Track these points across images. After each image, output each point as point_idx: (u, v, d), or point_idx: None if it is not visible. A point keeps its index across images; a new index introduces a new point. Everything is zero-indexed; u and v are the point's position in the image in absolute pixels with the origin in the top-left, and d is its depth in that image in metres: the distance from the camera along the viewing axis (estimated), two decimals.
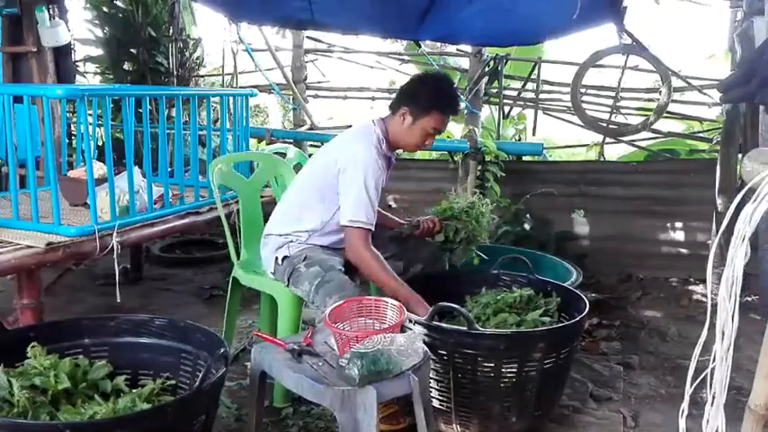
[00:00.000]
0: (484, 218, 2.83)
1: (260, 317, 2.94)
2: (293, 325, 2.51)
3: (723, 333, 1.07)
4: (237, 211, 2.86)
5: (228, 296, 2.76)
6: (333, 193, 2.44)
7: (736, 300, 1.07)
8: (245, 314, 3.37)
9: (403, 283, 2.32)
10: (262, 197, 3.13)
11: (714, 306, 1.10)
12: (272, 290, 2.57)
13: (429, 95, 2.42)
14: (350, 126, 5.81)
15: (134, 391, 1.87)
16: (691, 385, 1.11)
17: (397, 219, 2.82)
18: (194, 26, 6.00)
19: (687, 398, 1.11)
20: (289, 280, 2.43)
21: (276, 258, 2.50)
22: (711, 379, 1.10)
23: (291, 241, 2.49)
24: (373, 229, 2.38)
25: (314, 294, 2.30)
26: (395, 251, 2.62)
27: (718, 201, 3.97)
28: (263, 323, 2.88)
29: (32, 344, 1.88)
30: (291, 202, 2.58)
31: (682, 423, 1.12)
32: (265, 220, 2.71)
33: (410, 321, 2.09)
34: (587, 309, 2.30)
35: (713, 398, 1.09)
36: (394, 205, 3.11)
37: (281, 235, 2.52)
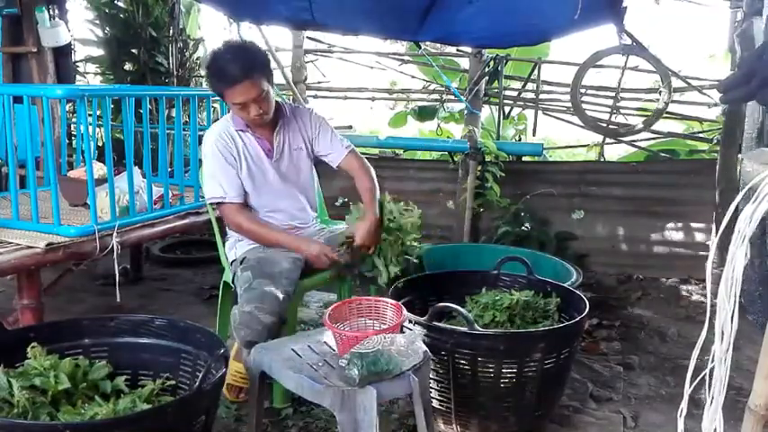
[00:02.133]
0: (400, 228, 2.47)
1: None
2: (290, 326, 2.50)
3: (722, 333, 1.07)
4: None
5: (220, 300, 2.76)
6: None
7: (735, 300, 1.07)
8: None
9: (287, 233, 2.48)
10: None
11: (713, 306, 1.10)
12: None
13: (210, 84, 2.41)
14: (350, 126, 5.83)
15: (134, 391, 1.87)
16: (690, 385, 1.11)
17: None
18: (198, 29, 5.99)
19: (686, 398, 1.11)
20: (234, 283, 2.49)
21: (230, 261, 2.58)
22: (711, 379, 1.10)
23: (238, 240, 2.56)
24: (228, 200, 2.44)
25: (240, 296, 2.33)
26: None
27: (718, 201, 3.97)
28: None
29: (33, 344, 1.88)
30: None
31: (680, 423, 1.12)
32: None
33: (410, 321, 2.09)
34: (587, 309, 2.30)
35: (712, 398, 1.09)
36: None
37: (230, 236, 2.62)
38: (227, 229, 2.61)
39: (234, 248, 2.57)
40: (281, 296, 2.26)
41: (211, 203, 2.53)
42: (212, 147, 2.46)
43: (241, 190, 2.47)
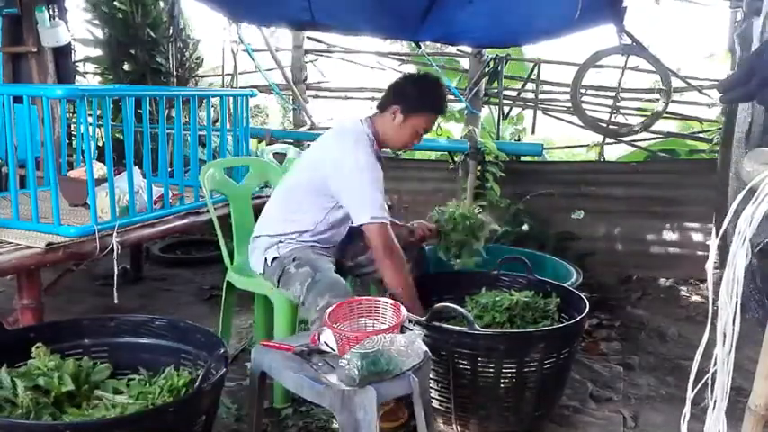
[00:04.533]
0: (481, 231, 2.81)
1: (255, 320, 2.94)
2: (290, 326, 2.51)
3: (724, 335, 1.07)
4: (229, 214, 2.86)
5: (223, 300, 2.76)
6: (324, 194, 2.43)
7: (737, 301, 1.07)
8: (244, 314, 3.37)
9: (414, 292, 2.32)
10: (260, 197, 3.13)
11: (715, 308, 1.10)
12: (269, 292, 2.56)
13: (421, 95, 2.44)
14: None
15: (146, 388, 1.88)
16: (693, 390, 1.10)
17: (396, 222, 2.80)
18: (190, 26, 5.98)
19: (689, 403, 1.10)
20: (279, 281, 2.42)
21: (266, 259, 2.50)
22: (713, 382, 1.10)
23: (281, 241, 2.48)
24: (388, 222, 2.36)
25: (305, 295, 2.29)
26: None
27: (719, 201, 3.96)
28: (259, 326, 2.88)
29: (37, 344, 1.88)
30: (281, 203, 2.56)
31: (684, 428, 1.12)
32: None
33: (410, 321, 2.09)
34: (587, 309, 2.30)
35: (714, 402, 1.09)
36: (391, 205, 3.12)
37: (271, 236, 2.51)
38: (269, 230, 2.51)
39: (275, 247, 2.47)
40: (345, 282, 2.30)
41: (374, 222, 2.31)
42: (375, 163, 2.39)
43: None
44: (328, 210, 2.45)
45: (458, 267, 2.88)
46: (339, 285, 2.27)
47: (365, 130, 2.47)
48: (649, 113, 4.24)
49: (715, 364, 1.09)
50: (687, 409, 1.11)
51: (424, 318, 2.14)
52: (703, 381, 1.10)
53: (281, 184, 2.67)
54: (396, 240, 2.35)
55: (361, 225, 2.35)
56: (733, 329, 1.06)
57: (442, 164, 4.84)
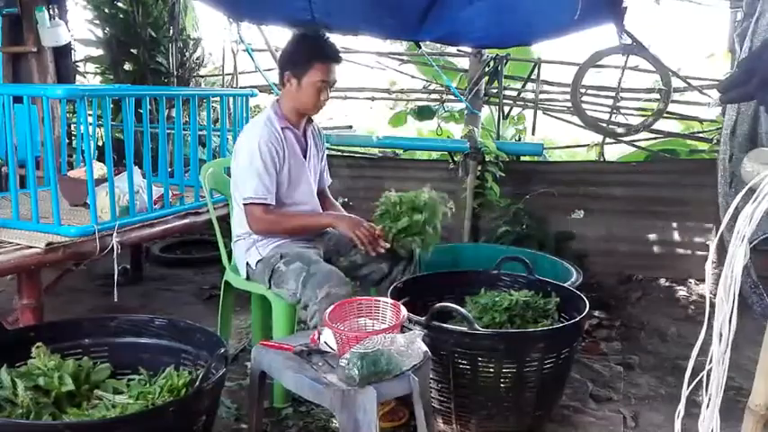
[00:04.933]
0: (431, 215, 2.49)
1: (252, 320, 2.94)
2: (289, 326, 2.50)
3: (721, 334, 1.07)
4: (228, 214, 2.86)
5: (221, 300, 2.76)
6: None
7: (734, 300, 1.07)
8: (243, 314, 3.37)
9: (313, 214, 2.51)
10: None
11: (712, 306, 1.10)
12: (265, 292, 2.55)
13: (303, 51, 2.45)
14: (350, 126, 5.83)
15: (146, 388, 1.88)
16: (688, 387, 1.11)
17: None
18: (196, 30, 5.99)
19: (683, 400, 1.11)
20: (270, 282, 2.43)
21: (248, 263, 2.52)
22: (708, 380, 1.10)
23: (257, 240, 2.50)
24: (268, 201, 2.42)
25: (302, 290, 2.29)
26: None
27: (719, 201, 3.96)
28: (256, 326, 2.87)
29: (37, 344, 1.88)
30: (234, 204, 2.61)
31: (677, 425, 1.12)
32: None
33: (410, 321, 2.09)
34: (587, 309, 2.30)
35: (709, 399, 1.09)
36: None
37: (244, 237, 2.55)
38: (241, 231, 2.55)
39: (254, 248, 2.51)
40: (340, 271, 2.35)
41: (246, 203, 2.43)
42: (264, 145, 2.41)
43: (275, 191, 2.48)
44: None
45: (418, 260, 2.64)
46: (335, 275, 2.28)
47: (267, 112, 2.52)
48: (649, 113, 4.24)
49: (711, 362, 1.09)
50: (681, 407, 1.11)
51: (424, 318, 2.13)
52: (698, 379, 1.10)
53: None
54: (268, 213, 2.42)
55: (243, 206, 2.44)
56: (729, 328, 1.06)
57: (442, 164, 4.84)
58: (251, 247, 2.51)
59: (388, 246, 2.45)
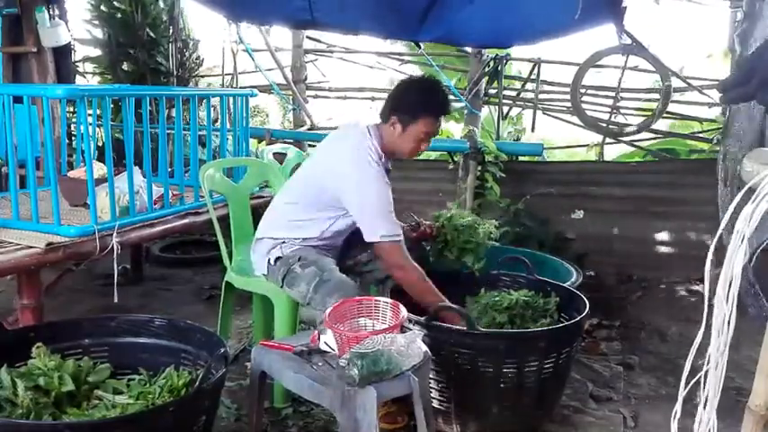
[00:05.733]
0: (479, 237, 2.72)
1: (254, 320, 2.94)
2: (290, 326, 2.50)
3: (719, 334, 1.07)
4: (228, 214, 2.86)
5: (222, 300, 2.76)
6: (331, 205, 2.41)
7: (733, 301, 1.07)
8: (244, 314, 3.37)
9: (442, 297, 2.29)
10: (259, 197, 3.13)
11: (711, 307, 1.10)
12: (268, 292, 2.56)
13: (417, 102, 2.40)
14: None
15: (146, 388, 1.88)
16: (685, 388, 1.10)
17: (402, 224, 2.77)
18: (189, 26, 5.98)
19: (680, 400, 1.10)
20: (283, 281, 2.41)
21: (269, 260, 2.49)
22: (706, 381, 1.10)
23: (284, 242, 2.47)
24: (402, 240, 2.35)
25: (312, 295, 2.29)
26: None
27: (720, 201, 3.96)
28: (257, 326, 2.88)
29: (37, 344, 1.88)
30: (286, 207, 2.53)
31: (674, 426, 1.12)
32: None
33: (410, 321, 2.09)
34: (587, 309, 2.30)
35: (706, 399, 1.09)
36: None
37: (275, 239, 2.49)
38: (270, 232, 2.51)
39: (277, 248, 2.46)
40: (353, 281, 2.31)
41: (385, 241, 2.31)
42: (381, 178, 2.35)
43: None
44: (334, 220, 2.45)
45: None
46: (348, 285, 2.26)
47: (372, 143, 2.42)
48: (649, 113, 4.24)
49: (709, 362, 1.09)
50: (678, 407, 1.11)
51: (424, 318, 2.14)
52: (696, 378, 1.10)
53: (286, 188, 2.64)
54: (408, 255, 2.34)
55: (373, 243, 2.34)
56: (728, 328, 1.06)
57: (442, 164, 4.84)
58: (275, 248, 2.48)
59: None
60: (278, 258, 2.46)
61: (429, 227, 2.76)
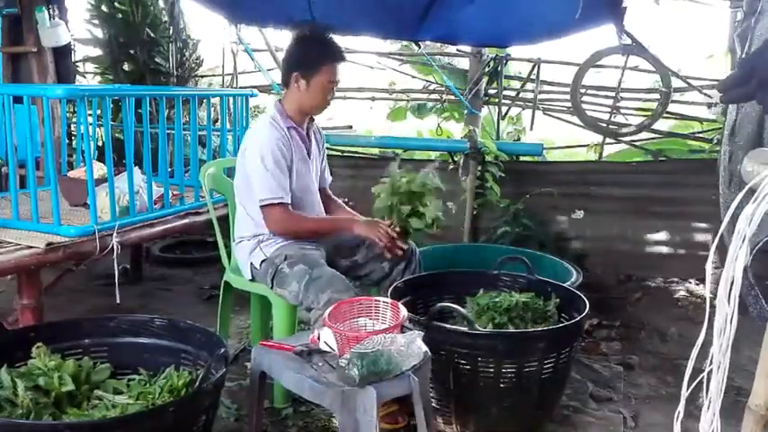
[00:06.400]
0: (425, 196, 2.53)
1: (251, 320, 2.94)
2: (289, 326, 2.50)
3: (721, 334, 1.07)
4: (228, 214, 2.86)
5: (221, 300, 2.76)
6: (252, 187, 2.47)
7: (735, 301, 1.07)
8: (243, 314, 3.37)
9: (332, 218, 2.53)
10: None
11: (713, 307, 1.10)
12: (266, 292, 2.56)
13: (314, 53, 2.45)
14: (350, 126, 5.82)
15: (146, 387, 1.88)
16: (687, 388, 1.10)
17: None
18: (189, 27, 5.97)
19: (683, 401, 1.10)
20: (272, 282, 2.42)
21: (252, 264, 2.51)
22: (709, 381, 1.10)
23: (262, 241, 2.50)
24: (285, 201, 2.41)
25: (304, 293, 2.29)
26: (375, 253, 2.60)
27: (720, 201, 3.96)
28: (255, 326, 2.88)
29: (37, 344, 1.88)
30: (239, 205, 2.60)
31: (677, 426, 1.12)
32: None
33: (410, 321, 2.09)
34: (587, 309, 2.30)
35: (709, 401, 1.09)
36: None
37: (249, 239, 2.53)
38: (244, 233, 2.54)
39: (258, 249, 2.50)
40: (343, 276, 2.34)
41: (264, 203, 2.41)
42: (275, 144, 2.41)
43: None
44: None
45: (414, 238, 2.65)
46: (338, 280, 2.27)
47: (274, 115, 2.50)
48: (649, 113, 4.24)
49: (711, 363, 1.09)
50: (681, 407, 1.11)
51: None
52: (698, 379, 1.10)
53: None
54: (290, 213, 2.42)
55: (260, 207, 2.42)
56: (730, 329, 1.06)
57: (441, 164, 4.84)
58: (255, 249, 2.50)
59: (406, 247, 2.52)
60: (263, 261, 2.47)
61: (387, 235, 2.47)
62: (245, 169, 2.49)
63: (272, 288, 2.44)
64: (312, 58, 2.44)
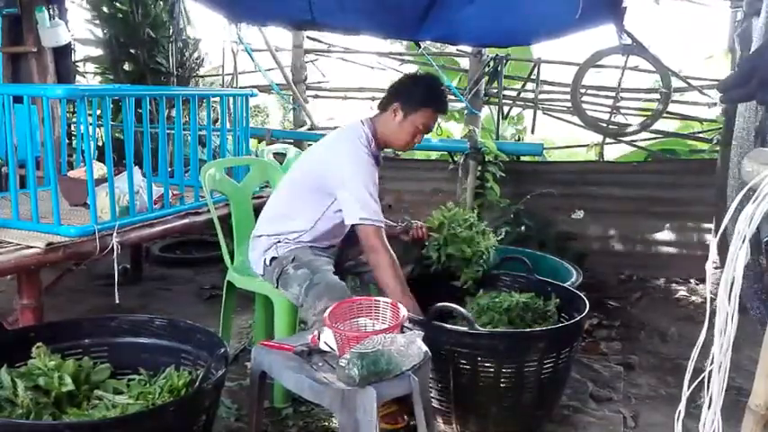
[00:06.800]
0: (477, 245, 2.61)
1: (255, 320, 2.94)
2: (290, 326, 2.50)
3: (721, 335, 1.07)
4: (229, 214, 2.86)
5: (224, 300, 2.76)
6: (322, 193, 2.44)
7: (735, 301, 1.07)
8: (244, 314, 3.37)
9: (408, 293, 2.29)
10: (260, 197, 3.12)
11: (713, 307, 1.10)
12: (269, 292, 2.56)
13: (421, 92, 2.47)
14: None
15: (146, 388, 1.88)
16: (688, 388, 1.10)
17: (389, 221, 2.78)
18: (190, 26, 5.98)
19: (684, 401, 1.10)
20: (277, 281, 2.43)
21: (265, 260, 2.50)
22: (709, 381, 1.10)
23: (279, 241, 2.48)
24: (383, 225, 2.37)
25: (303, 297, 2.30)
26: None
27: (719, 201, 3.96)
28: (259, 326, 2.88)
29: (37, 344, 1.88)
30: (280, 202, 2.57)
31: (678, 426, 1.12)
32: None
33: (410, 321, 2.09)
34: (587, 309, 2.30)
35: (710, 400, 1.09)
36: (392, 205, 3.07)
37: (270, 236, 2.51)
38: (267, 229, 2.52)
39: (273, 247, 2.48)
40: (344, 284, 2.32)
41: (364, 224, 2.32)
42: (372, 167, 2.41)
43: None
44: (326, 207, 2.46)
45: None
46: (337, 288, 2.26)
47: (364, 130, 2.49)
48: (649, 113, 4.24)
49: (712, 363, 1.08)
50: (682, 407, 1.11)
51: (421, 317, 2.14)
52: (699, 379, 1.10)
53: (281, 184, 2.67)
54: (386, 242, 2.35)
55: (353, 225, 2.37)
56: (731, 329, 1.06)
57: (442, 164, 4.84)
58: (271, 246, 2.49)
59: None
60: (273, 259, 2.47)
61: (420, 228, 2.71)
62: (324, 171, 2.42)
63: (276, 287, 2.44)
64: (418, 97, 2.46)
